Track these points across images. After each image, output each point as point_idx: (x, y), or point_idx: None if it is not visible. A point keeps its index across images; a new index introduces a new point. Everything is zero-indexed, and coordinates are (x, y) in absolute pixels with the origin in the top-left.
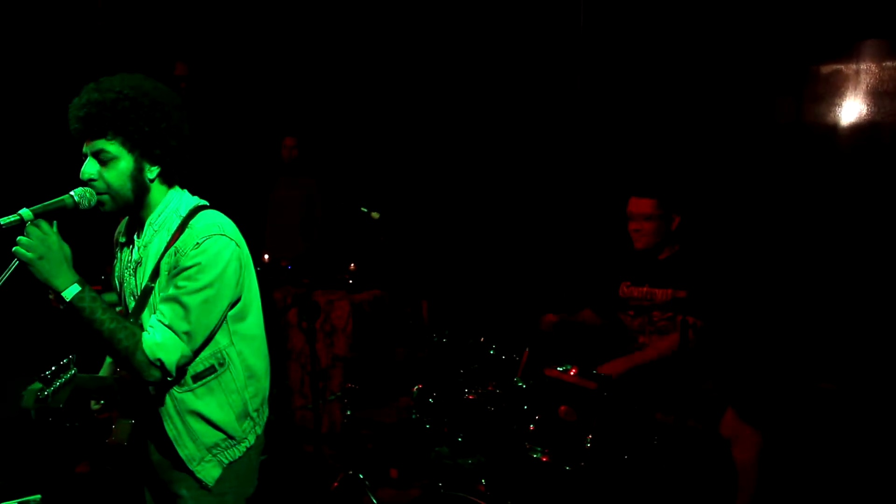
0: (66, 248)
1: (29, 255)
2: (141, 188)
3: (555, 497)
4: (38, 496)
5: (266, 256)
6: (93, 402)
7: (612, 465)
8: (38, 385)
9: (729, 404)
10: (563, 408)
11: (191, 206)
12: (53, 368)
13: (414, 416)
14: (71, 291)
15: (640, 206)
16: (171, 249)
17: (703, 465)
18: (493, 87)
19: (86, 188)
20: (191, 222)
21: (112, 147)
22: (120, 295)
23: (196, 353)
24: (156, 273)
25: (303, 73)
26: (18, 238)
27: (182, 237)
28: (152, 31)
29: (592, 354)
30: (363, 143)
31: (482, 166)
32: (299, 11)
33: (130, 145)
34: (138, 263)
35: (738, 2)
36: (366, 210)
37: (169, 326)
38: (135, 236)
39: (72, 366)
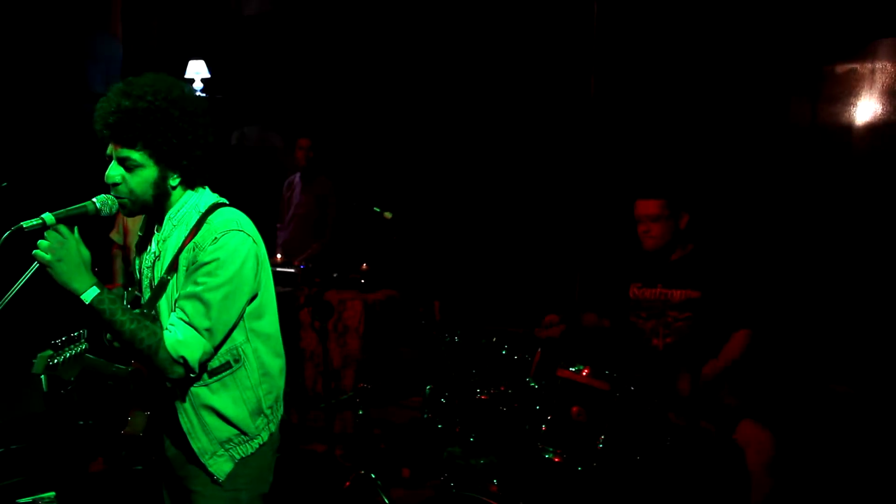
0: (86, 252)
1: (48, 257)
2: (162, 194)
3: (567, 498)
4: (53, 493)
5: (279, 256)
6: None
7: (624, 466)
8: (48, 352)
9: (745, 410)
10: (575, 408)
11: (209, 203)
12: (64, 338)
13: (426, 416)
14: (90, 294)
15: (647, 207)
16: (190, 245)
17: (716, 467)
18: (505, 89)
19: (108, 195)
20: (209, 218)
21: (138, 156)
22: (137, 286)
23: (216, 348)
24: (173, 267)
25: (317, 74)
26: (39, 241)
27: (200, 233)
28: (166, 31)
29: (604, 356)
30: (377, 143)
31: (494, 167)
32: (313, 12)
33: (157, 157)
34: (157, 257)
35: (751, 2)
36: (378, 210)
37: (190, 323)
38: (154, 230)
39: (83, 340)
